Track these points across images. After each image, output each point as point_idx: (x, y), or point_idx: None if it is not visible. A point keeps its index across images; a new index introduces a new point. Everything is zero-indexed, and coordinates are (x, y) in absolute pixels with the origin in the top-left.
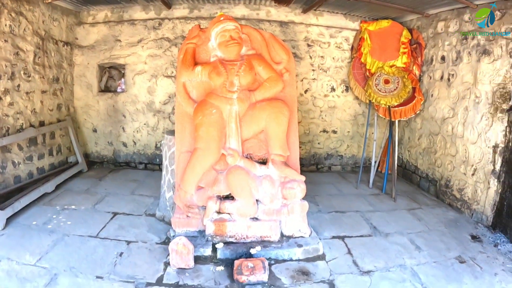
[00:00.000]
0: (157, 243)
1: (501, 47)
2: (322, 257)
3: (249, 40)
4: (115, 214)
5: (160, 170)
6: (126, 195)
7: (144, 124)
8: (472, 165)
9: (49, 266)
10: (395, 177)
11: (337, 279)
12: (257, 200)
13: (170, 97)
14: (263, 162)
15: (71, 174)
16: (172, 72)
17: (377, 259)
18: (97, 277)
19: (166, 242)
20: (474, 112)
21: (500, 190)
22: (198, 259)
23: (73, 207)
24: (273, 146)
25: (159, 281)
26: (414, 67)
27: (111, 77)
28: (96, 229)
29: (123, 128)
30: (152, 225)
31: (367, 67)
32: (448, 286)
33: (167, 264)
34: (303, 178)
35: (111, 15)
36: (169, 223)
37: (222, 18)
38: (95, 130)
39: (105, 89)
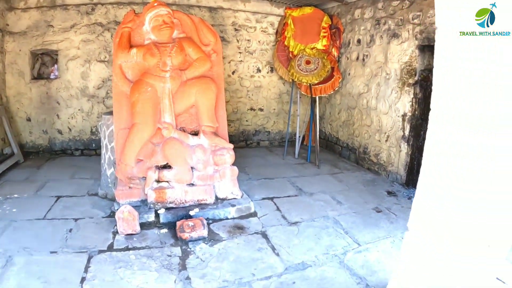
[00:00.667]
0: (103, 217)
1: (408, 31)
2: (254, 214)
3: (180, 24)
4: (58, 197)
5: (97, 155)
6: (66, 179)
7: (79, 109)
8: (385, 133)
9: (2, 250)
10: (317, 147)
11: (269, 230)
12: (192, 168)
13: (103, 82)
14: (195, 134)
15: (8, 166)
16: (105, 57)
17: (303, 213)
18: (51, 252)
19: (112, 215)
20: (385, 87)
21: (410, 152)
22: (143, 225)
23: (15, 195)
24: (203, 118)
25: (110, 247)
26: (333, 49)
27: (43, 63)
28: (42, 212)
29: (57, 115)
30: (96, 202)
31: (290, 49)
32: (366, 230)
33: (115, 233)
34: (231, 145)
35: (43, 0)
36: (112, 199)
37: (155, 4)
38: (29, 119)
39: (38, 77)
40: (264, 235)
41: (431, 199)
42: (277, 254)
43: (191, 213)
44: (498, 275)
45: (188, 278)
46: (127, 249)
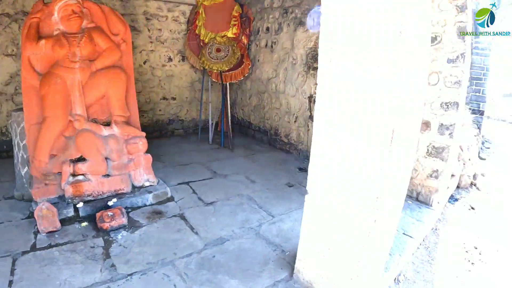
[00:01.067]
0: (22, 219)
1: (313, 19)
2: (171, 199)
3: (89, 14)
4: None
5: (8, 157)
6: None
7: None
8: (294, 114)
9: None
10: (230, 132)
11: (186, 212)
12: (106, 158)
13: (11, 77)
14: (107, 124)
15: None
16: (13, 50)
17: (218, 193)
18: None
19: (31, 216)
20: (292, 72)
21: None
22: (63, 221)
23: None
24: (114, 108)
25: (33, 247)
26: (243, 37)
27: None
28: None
29: None
30: (13, 205)
31: (201, 38)
32: (279, 203)
33: (36, 233)
34: (143, 134)
35: None
36: (30, 200)
37: None
38: None
39: None
40: (182, 217)
41: (317, 172)
42: (196, 233)
43: (110, 203)
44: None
45: (113, 265)
46: (50, 246)
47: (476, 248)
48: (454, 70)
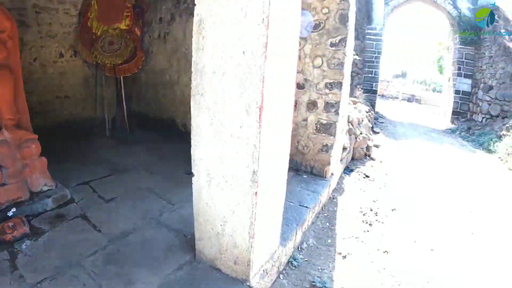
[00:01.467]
0: None
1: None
2: (71, 201)
3: None
4: None
5: None
6: None
7: None
8: (189, 104)
9: None
10: (127, 126)
11: (88, 211)
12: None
13: None
14: None
15: None
16: None
17: (118, 190)
18: None
19: None
20: (185, 62)
21: None
22: None
23: None
24: (3, 112)
25: None
26: (136, 29)
27: None
28: None
29: None
30: None
31: (94, 30)
32: (179, 190)
33: None
34: (35, 136)
35: None
36: None
37: None
38: None
39: None
40: (84, 217)
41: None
42: (99, 231)
43: (9, 213)
44: None
45: (21, 276)
46: None
47: (371, 210)
48: (337, 53)
